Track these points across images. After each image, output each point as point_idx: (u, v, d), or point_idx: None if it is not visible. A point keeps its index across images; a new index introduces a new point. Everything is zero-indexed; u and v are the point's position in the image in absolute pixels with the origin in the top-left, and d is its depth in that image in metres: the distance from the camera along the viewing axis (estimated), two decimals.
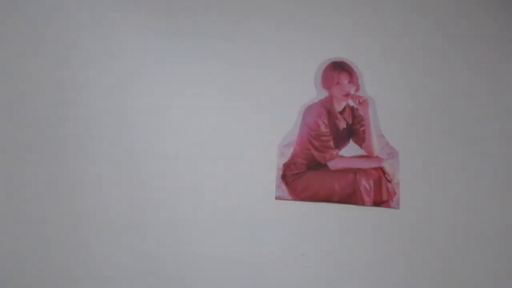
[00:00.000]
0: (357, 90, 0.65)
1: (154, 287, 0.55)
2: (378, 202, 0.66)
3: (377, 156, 0.63)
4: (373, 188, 0.66)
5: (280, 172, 0.65)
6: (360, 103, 0.65)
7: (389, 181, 0.62)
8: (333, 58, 0.66)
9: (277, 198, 0.65)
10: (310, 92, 0.64)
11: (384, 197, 0.66)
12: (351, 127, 0.64)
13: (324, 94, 0.65)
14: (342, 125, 0.64)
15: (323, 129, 0.64)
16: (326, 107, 0.64)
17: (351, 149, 0.64)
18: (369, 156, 0.63)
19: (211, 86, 0.63)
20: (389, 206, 0.65)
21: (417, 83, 0.66)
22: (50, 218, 0.56)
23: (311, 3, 0.67)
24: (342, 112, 0.64)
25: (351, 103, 0.64)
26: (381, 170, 0.63)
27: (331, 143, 0.64)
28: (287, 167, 0.65)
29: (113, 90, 0.62)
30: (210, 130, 0.61)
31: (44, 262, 0.55)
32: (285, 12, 0.66)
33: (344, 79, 0.65)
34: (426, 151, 0.63)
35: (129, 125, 0.61)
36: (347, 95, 0.65)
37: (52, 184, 0.58)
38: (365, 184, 0.66)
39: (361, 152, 0.63)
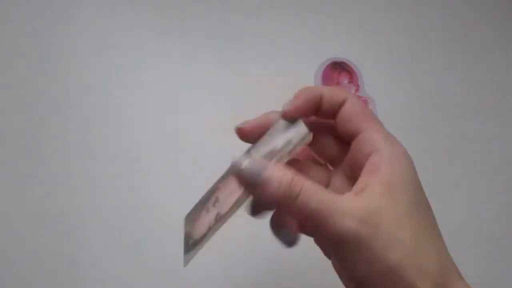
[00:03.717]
0: (357, 90, 0.65)
1: (156, 286, 0.55)
2: None
3: None
4: None
5: None
6: None
7: None
8: (333, 58, 0.66)
9: None
10: None
11: None
12: None
13: None
14: None
15: None
16: None
17: None
18: None
19: (211, 86, 0.63)
20: None
21: (418, 83, 0.66)
22: (51, 217, 0.56)
23: (311, 3, 0.67)
24: None
25: None
26: None
27: None
28: None
29: (114, 89, 0.62)
30: (210, 130, 0.61)
31: (45, 261, 0.55)
32: (285, 12, 0.67)
33: (344, 79, 0.65)
34: (426, 151, 0.63)
35: (130, 124, 0.61)
36: None
37: (53, 182, 0.58)
38: None
39: None
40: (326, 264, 0.36)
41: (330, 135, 0.32)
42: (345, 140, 0.30)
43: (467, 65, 0.67)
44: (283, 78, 0.63)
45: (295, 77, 0.64)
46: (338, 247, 0.26)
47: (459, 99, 0.65)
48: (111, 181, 0.58)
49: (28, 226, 0.56)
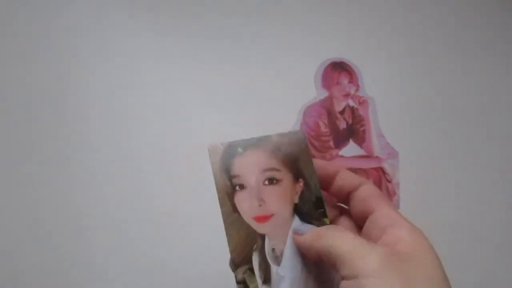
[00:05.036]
0: (357, 90, 0.65)
1: (155, 286, 0.55)
2: None
3: (377, 156, 0.63)
4: None
5: None
6: (360, 103, 0.65)
7: (389, 181, 0.62)
8: (333, 58, 0.66)
9: None
10: (310, 92, 0.64)
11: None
12: (351, 127, 0.64)
13: (324, 94, 0.65)
14: (342, 125, 0.64)
15: (323, 129, 0.64)
16: (326, 107, 0.64)
17: (351, 149, 0.64)
18: (369, 156, 0.63)
19: (211, 86, 0.63)
20: None
21: (418, 83, 0.66)
22: (51, 217, 0.56)
23: (311, 3, 0.67)
24: (342, 112, 0.64)
25: (351, 103, 0.64)
26: (381, 170, 0.63)
27: (331, 143, 0.64)
28: None
29: (114, 89, 0.62)
30: (210, 130, 0.61)
31: (45, 262, 0.55)
32: (285, 12, 0.67)
33: (344, 79, 0.65)
34: (426, 151, 0.63)
35: (130, 124, 0.61)
36: (347, 95, 0.65)
37: (53, 183, 0.58)
38: None
39: (361, 152, 0.63)
40: None
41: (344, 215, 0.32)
42: (357, 218, 0.31)
43: (467, 65, 0.67)
44: (283, 78, 0.63)
45: (295, 77, 0.64)
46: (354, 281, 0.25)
47: (459, 99, 0.65)
48: (111, 181, 0.58)
49: (29, 227, 0.56)
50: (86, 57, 0.62)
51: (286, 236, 0.29)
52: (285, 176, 0.31)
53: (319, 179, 0.31)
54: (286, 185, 0.31)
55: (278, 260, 0.29)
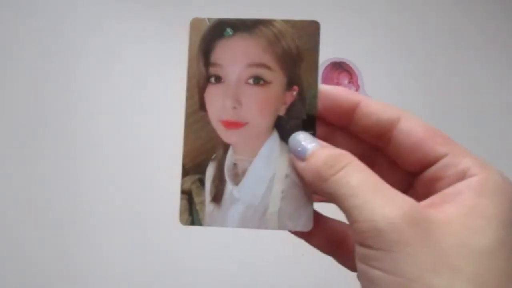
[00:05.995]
0: (357, 90, 0.65)
1: (157, 286, 0.55)
2: None
3: None
4: None
5: None
6: None
7: None
8: (333, 58, 0.66)
9: None
10: None
11: None
12: None
13: None
14: None
15: None
16: None
17: None
18: None
19: None
20: None
21: (418, 83, 0.66)
22: (51, 217, 0.57)
23: (310, 3, 0.67)
24: None
25: None
26: None
27: None
28: None
29: (114, 90, 0.62)
30: None
31: (44, 262, 0.55)
32: (285, 13, 0.67)
33: (344, 79, 0.65)
34: None
35: (130, 125, 0.61)
36: None
37: (53, 182, 0.58)
38: None
39: None
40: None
41: (387, 165, 0.23)
42: (408, 168, 0.23)
43: (467, 65, 0.67)
44: None
45: None
46: (362, 249, 0.19)
47: (458, 98, 0.65)
48: (112, 181, 0.58)
49: (31, 227, 0.56)
50: (88, 58, 0.62)
51: (255, 153, 0.24)
52: (277, 78, 0.24)
53: (330, 111, 0.23)
54: (274, 90, 0.24)
55: (237, 178, 0.24)
